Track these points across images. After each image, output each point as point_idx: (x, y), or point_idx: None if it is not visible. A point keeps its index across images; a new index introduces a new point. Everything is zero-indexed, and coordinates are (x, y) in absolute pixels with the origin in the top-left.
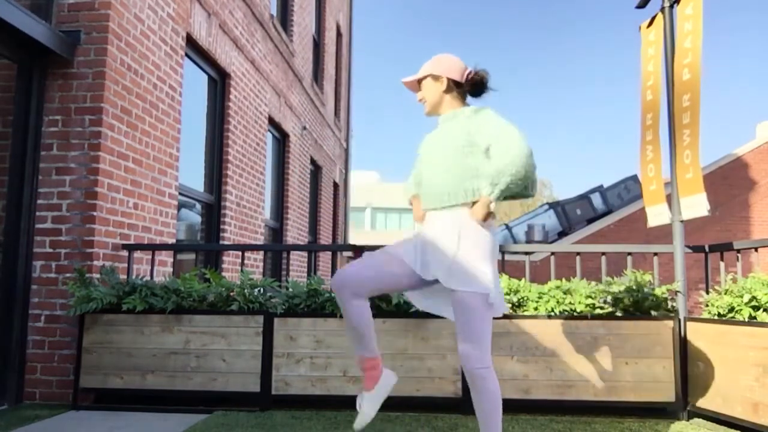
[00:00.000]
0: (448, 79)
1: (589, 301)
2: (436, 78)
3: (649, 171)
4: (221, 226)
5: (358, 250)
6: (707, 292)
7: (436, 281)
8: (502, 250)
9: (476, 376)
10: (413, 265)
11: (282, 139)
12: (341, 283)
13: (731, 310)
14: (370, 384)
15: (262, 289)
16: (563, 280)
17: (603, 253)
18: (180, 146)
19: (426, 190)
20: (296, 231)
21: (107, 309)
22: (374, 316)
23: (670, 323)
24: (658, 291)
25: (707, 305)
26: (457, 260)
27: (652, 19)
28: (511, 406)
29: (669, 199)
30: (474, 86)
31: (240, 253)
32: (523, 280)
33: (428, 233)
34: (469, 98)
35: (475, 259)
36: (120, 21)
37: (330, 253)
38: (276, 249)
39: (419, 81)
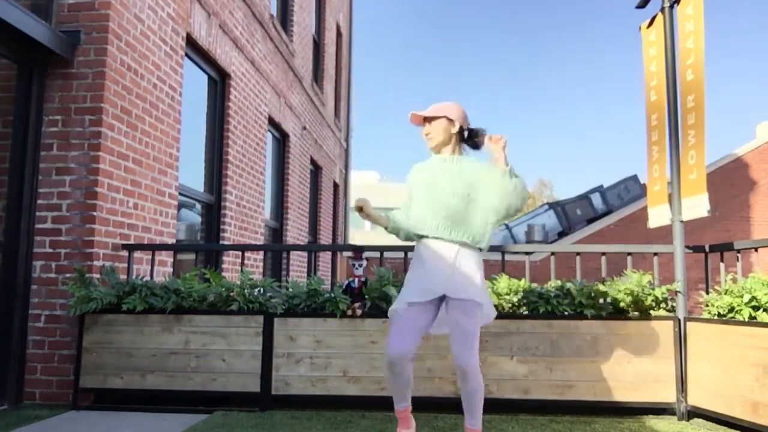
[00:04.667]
0: (460, 126)
1: (588, 300)
2: (450, 121)
3: (654, 172)
4: (221, 226)
5: (358, 251)
6: (707, 292)
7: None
8: (502, 250)
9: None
10: (445, 290)
11: (282, 139)
12: (401, 354)
13: (731, 310)
14: (406, 424)
15: (262, 289)
16: (563, 280)
17: (603, 253)
18: (180, 146)
19: (431, 223)
20: (296, 231)
21: (107, 309)
22: (374, 315)
23: (670, 323)
24: (658, 291)
25: (707, 305)
26: (476, 281)
27: (653, 19)
28: (511, 406)
29: (669, 199)
30: (471, 140)
31: (240, 253)
32: (522, 280)
33: (447, 261)
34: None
35: (476, 277)
36: (120, 21)
37: (330, 253)
38: (276, 249)
39: (429, 118)
